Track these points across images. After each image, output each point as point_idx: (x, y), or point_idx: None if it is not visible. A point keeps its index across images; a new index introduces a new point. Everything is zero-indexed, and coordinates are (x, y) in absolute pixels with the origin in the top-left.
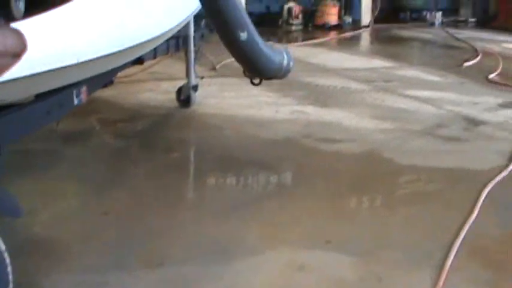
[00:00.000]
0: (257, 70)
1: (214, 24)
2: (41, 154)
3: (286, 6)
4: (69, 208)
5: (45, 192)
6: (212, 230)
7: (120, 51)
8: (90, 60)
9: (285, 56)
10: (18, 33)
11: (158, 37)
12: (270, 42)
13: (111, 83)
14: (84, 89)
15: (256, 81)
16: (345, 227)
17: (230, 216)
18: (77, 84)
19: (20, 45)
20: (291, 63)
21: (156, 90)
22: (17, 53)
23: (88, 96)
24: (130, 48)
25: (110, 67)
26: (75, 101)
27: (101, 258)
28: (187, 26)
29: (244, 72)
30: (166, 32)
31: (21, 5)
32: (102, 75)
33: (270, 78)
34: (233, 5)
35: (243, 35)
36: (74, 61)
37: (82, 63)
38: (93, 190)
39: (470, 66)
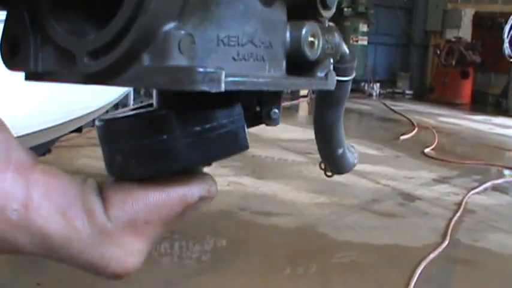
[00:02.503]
0: (338, 171)
1: (319, 140)
2: None
3: None
4: (0, 278)
5: None
6: None
7: (61, 124)
8: (30, 134)
9: (355, 155)
10: (213, 179)
11: (100, 108)
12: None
13: (48, 151)
14: None
15: (329, 173)
16: None
17: None
18: None
19: (216, 190)
20: (358, 160)
21: (93, 157)
22: (214, 197)
23: None
24: (71, 121)
25: (49, 138)
26: None
27: None
28: (127, 95)
29: (320, 165)
30: (108, 104)
31: None
32: (41, 146)
33: (342, 174)
34: (341, 128)
35: (339, 151)
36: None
37: (20, 136)
38: (25, 259)
39: (406, 140)
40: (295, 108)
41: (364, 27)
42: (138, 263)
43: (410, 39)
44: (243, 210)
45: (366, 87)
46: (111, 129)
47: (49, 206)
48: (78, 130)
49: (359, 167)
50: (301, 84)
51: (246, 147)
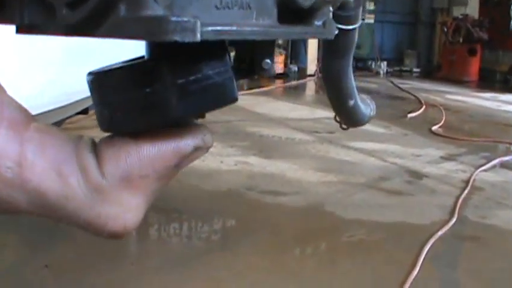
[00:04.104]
0: (353, 124)
1: (329, 90)
2: None
3: (233, 54)
4: (10, 260)
5: None
6: (154, 286)
7: (65, 106)
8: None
9: (371, 107)
10: (209, 129)
11: None
12: (363, 96)
13: None
14: None
15: (345, 126)
16: (287, 282)
17: (172, 270)
18: None
19: (212, 140)
20: (375, 112)
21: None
22: (210, 147)
23: None
24: (76, 102)
25: (53, 121)
26: None
27: None
28: None
29: (335, 117)
30: None
31: None
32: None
33: (358, 126)
34: (350, 78)
35: (351, 102)
36: None
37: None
38: (35, 241)
39: (414, 118)
40: (303, 87)
41: (371, 5)
42: (137, 220)
43: (417, 16)
44: (251, 190)
45: (373, 66)
46: (99, 82)
47: (43, 163)
48: (84, 112)
49: (366, 145)
50: (294, 33)
51: (235, 99)
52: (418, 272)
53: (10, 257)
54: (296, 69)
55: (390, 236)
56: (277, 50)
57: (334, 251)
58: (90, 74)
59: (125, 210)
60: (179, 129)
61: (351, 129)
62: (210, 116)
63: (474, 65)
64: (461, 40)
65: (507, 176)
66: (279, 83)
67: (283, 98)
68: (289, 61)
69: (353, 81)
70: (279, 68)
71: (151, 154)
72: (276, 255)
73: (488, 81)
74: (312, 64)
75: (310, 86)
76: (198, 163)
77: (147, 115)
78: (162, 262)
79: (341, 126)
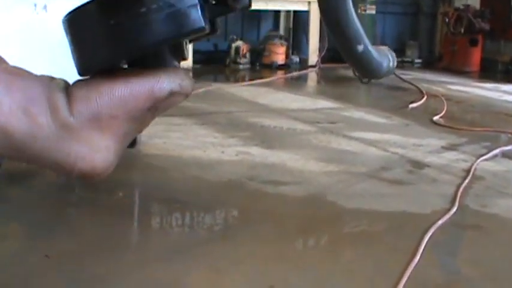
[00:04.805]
0: (369, 74)
1: (333, 36)
2: None
3: (233, 45)
4: (9, 250)
5: None
6: (155, 275)
7: None
8: None
9: (390, 58)
10: (189, 74)
11: None
12: (380, 47)
13: None
14: None
15: (365, 80)
16: (288, 272)
17: (173, 260)
18: None
19: (191, 86)
20: (395, 62)
21: None
22: (188, 93)
23: None
24: None
25: None
26: None
27: None
28: None
29: (354, 72)
30: None
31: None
32: None
33: (377, 78)
34: (352, 21)
35: (360, 47)
36: None
37: None
38: (34, 231)
39: (415, 108)
40: (304, 78)
41: None
42: (107, 161)
43: (419, 7)
44: (252, 180)
45: None
46: (70, 21)
47: (10, 103)
48: None
49: (367, 135)
50: None
51: (201, 27)
52: (418, 261)
53: (10, 247)
54: (297, 60)
55: (391, 225)
56: (278, 41)
57: (336, 240)
58: (64, 15)
59: (94, 150)
60: (156, 71)
61: (353, 120)
62: (211, 107)
63: (476, 56)
64: (462, 31)
65: (508, 165)
66: (280, 74)
67: (285, 89)
68: (290, 52)
69: (358, 25)
70: (280, 59)
71: (123, 94)
72: (277, 245)
73: (489, 72)
74: (313, 55)
75: (312, 76)
76: (199, 154)
77: (114, 47)
78: (163, 252)
79: (361, 81)
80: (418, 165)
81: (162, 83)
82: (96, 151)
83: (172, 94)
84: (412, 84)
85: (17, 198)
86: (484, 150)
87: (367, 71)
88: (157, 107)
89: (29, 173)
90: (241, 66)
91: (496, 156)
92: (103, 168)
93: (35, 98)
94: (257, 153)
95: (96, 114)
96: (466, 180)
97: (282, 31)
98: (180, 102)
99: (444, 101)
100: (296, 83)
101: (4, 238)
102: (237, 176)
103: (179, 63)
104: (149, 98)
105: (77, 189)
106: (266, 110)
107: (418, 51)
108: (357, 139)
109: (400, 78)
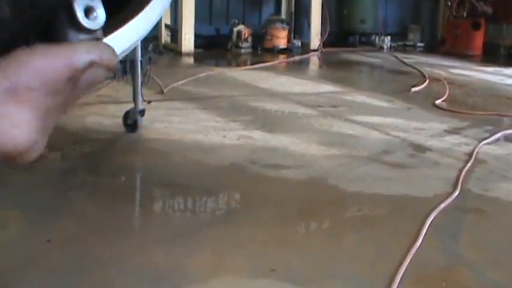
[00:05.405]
0: None
1: None
2: None
3: (235, 29)
4: (11, 235)
5: None
6: (157, 259)
7: None
8: None
9: None
10: (111, 47)
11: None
12: None
13: None
14: None
15: None
16: (290, 255)
17: (175, 243)
18: None
19: (113, 59)
20: None
21: (103, 114)
22: (110, 66)
23: None
24: None
25: None
26: None
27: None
28: (134, 50)
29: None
30: None
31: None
32: None
33: None
34: None
35: None
36: None
37: None
38: (36, 216)
39: (417, 92)
40: (306, 62)
41: None
42: (30, 138)
43: None
44: (254, 164)
45: (376, 41)
46: None
47: None
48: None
49: (369, 119)
50: None
51: None
52: (420, 244)
53: (11, 232)
54: (299, 44)
55: (393, 209)
56: (280, 25)
57: (337, 223)
58: None
59: (13, 124)
60: (76, 43)
61: (355, 103)
62: (213, 91)
63: (478, 39)
64: (465, 14)
65: (510, 149)
66: (282, 58)
67: (287, 73)
68: (292, 36)
69: None
70: (282, 43)
71: (39, 65)
72: (279, 229)
73: (492, 55)
74: (315, 39)
75: (314, 60)
76: (201, 138)
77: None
78: (165, 235)
79: None
80: (420, 148)
81: (81, 53)
82: (15, 126)
83: (92, 65)
84: (414, 68)
85: (19, 182)
86: (486, 134)
87: None
88: (77, 79)
89: None
90: (243, 51)
91: (498, 140)
92: (26, 146)
93: None
94: (259, 137)
95: (11, 85)
96: (468, 164)
97: (283, 15)
98: (102, 76)
99: (446, 85)
100: (298, 67)
101: (6, 222)
102: (239, 160)
103: (104, 36)
104: (67, 67)
105: (79, 173)
106: (268, 94)
107: (421, 35)
108: (358, 123)
109: (402, 61)
